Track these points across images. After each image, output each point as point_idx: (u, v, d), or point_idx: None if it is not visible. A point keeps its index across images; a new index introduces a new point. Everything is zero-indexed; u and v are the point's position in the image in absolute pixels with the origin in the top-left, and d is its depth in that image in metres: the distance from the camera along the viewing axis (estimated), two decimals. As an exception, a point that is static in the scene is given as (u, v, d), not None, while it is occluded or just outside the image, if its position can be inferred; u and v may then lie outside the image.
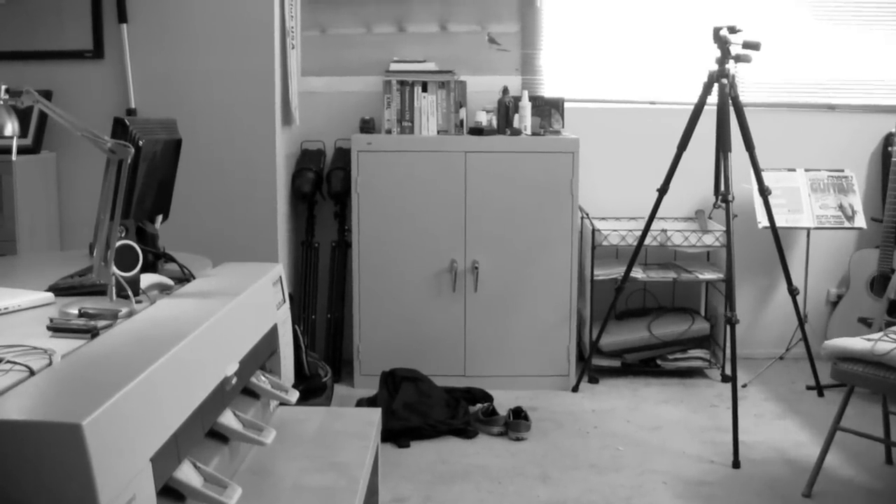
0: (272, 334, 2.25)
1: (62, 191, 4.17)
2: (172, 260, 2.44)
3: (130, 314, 1.92)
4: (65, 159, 4.15)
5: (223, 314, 1.84)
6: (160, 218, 2.53)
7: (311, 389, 3.98)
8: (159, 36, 4.10)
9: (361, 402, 4.07)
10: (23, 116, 3.98)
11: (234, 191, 4.17)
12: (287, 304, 2.49)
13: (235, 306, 1.93)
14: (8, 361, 1.54)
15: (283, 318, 2.41)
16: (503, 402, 4.14)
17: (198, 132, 4.10)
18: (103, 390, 1.31)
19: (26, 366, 1.52)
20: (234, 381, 1.82)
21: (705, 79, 4.06)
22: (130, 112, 4.08)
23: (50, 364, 1.56)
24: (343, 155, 4.58)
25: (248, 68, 4.10)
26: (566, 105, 4.66)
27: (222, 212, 4.18)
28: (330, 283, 4.71)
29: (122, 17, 4.07)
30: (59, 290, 2.18)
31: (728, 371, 4.53)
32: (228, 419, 1.85)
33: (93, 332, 1.74)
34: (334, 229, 4.72)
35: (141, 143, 2.14)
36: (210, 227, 4.17)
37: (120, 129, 2.12)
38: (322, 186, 4.60)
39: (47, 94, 4.03)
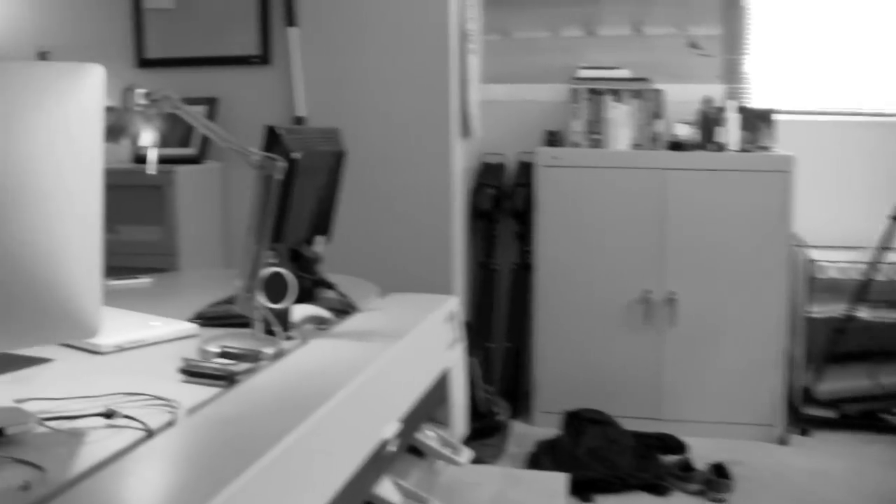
0: (442, 381, 1.97)
1: (227, 203, 4.05)
2: (331, 287, 2.19)
3: (278, 354, 1.67)
4: (231, 170, 4.03)
5: (385, 361, 1.56)
6: (320, 240, 2.29)
7: (486, 429, 3.71)
8: (329, 40, 3.93)
9: (541, 446, 3.75)
10: (188, 125, 3.88)
11: (406, 207, 3.94)
12: (461, 343, 2.21)
13: (400, 350, 1.66)
14: (125, 416, 1.30)
15: (455, 361, 2.12)
16: (700, 452, 3.73)
17: (367, 143, 3.90)
18: (224, 471, 1.05)
19: (144, 424, 1.28)
20: (393, 443, 1.54)
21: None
22: (298, 120, 3.93)
23: (172, 423, 1.31)
24: (526, 170, 4.30)
25: (423, 75, 3.87)
26: (777, 117, 4.21)
27: (392, 231, 3.96)
28: (509, 309, 4.43)
29: (291, 21, 3.91)
30: (205, 319, 1.96)
31: (969, 428, 3.97)
32: (386, 490, 1.57)
33: (230, 379, 1.50)
34: (515, 251, 4.44)
35: (295, 154, 1.90)
36: (379, 247, 3.96)
37: (272, 139, 1.88)
38: (503, 204, 4.34)
39: (213, 102, 3.92)
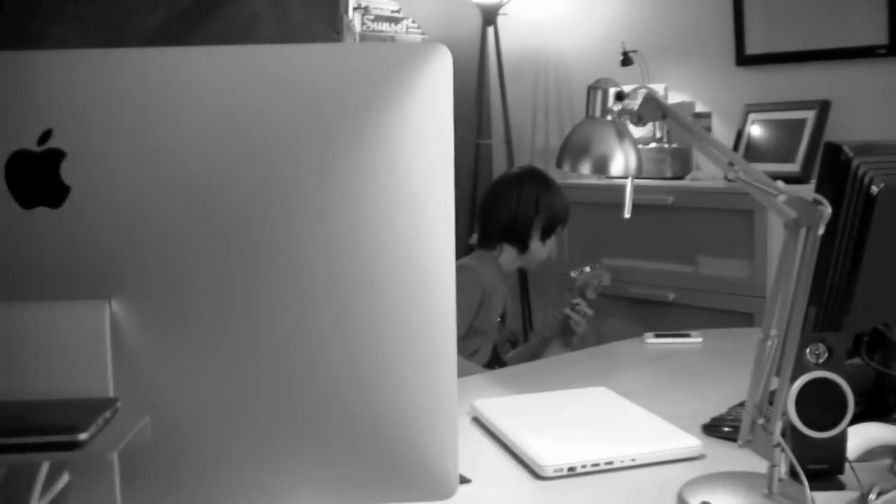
0: None
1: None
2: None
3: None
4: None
5: None
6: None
7: None
8: None
9: None
10: (792, 133, 3.24)
11: None
12: None
13: None
14: None
15: None
16: None
17: None
18: None
19: None
20: None
21: None
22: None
23: None
24: None
25: None
26: None
27: None
28: None
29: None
30: (720, 428, 1.38)
31: None
32: None
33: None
34: None
35: (874, 189, 1.22)
36: None
37: (832, 161, 1.23)
38: None
39: (824, 107, 3.23)
